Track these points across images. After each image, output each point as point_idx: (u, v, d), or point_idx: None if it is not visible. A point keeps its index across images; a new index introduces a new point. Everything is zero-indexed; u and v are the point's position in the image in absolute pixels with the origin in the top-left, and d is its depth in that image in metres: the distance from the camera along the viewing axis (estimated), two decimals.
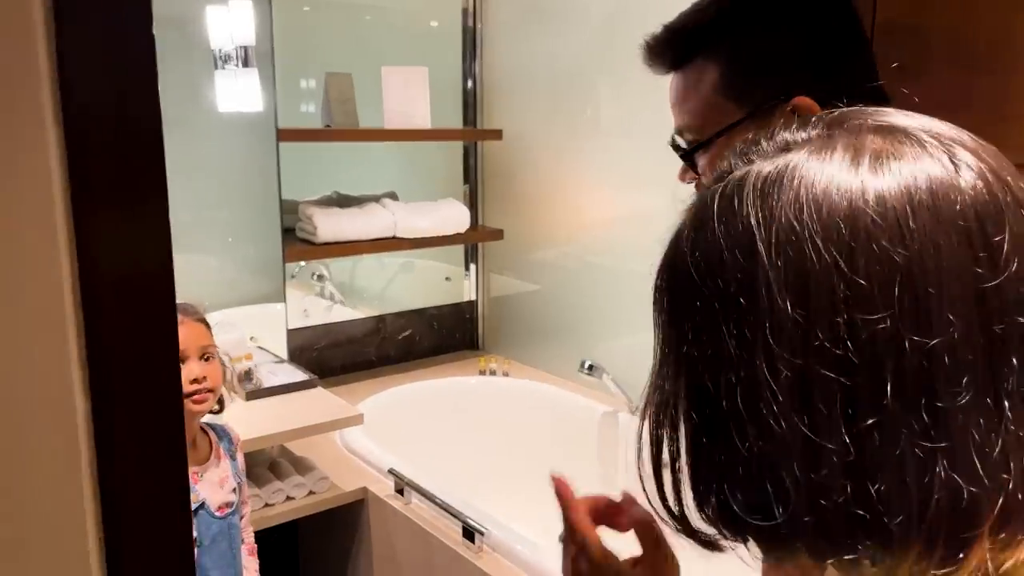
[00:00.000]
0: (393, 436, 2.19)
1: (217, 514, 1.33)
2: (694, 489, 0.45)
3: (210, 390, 1.35)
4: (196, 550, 1.30)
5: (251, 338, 2.24)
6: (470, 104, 2.77)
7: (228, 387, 2.00)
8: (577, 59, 2.44)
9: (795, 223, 0.39)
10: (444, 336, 2.88)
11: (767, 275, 0.39)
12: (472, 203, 2.82)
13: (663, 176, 2.29)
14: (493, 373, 2.63)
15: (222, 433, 1.43)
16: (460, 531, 1.65)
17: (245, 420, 1.84)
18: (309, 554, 2.20)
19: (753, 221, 0.41)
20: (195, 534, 1.30)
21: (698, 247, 0.44)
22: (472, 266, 2.91)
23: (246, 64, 2.08)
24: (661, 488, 0.48)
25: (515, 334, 2.81)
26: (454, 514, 1.68)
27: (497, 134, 2.66)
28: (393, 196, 2.64)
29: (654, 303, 0.49)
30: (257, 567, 1.47)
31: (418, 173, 2.92)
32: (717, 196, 0.44)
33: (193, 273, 2.57)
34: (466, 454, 2.47)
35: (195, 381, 1.31)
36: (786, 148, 0.44)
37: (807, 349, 0.38)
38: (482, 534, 1.61)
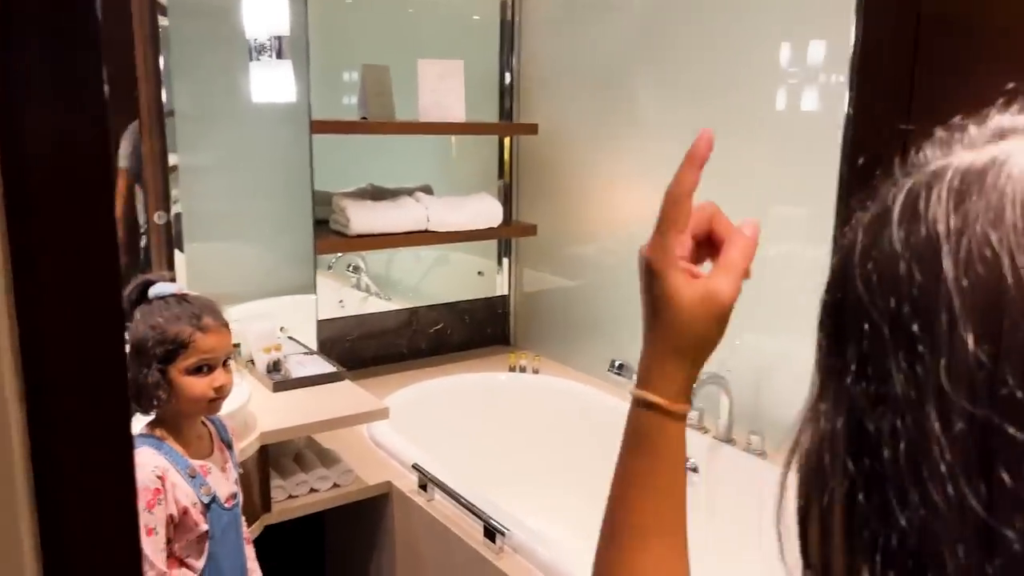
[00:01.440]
0: (420, 430, 2.18)
1: (226, 505, 1.33)
2: (845, 553, 0.36)
3: (224, 398, 1.35)
4: (208, 543, 1.30)
5: (281, 329, 2.25)
6: (506, 98, 2.74)
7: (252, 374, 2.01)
8: (616, 52, 2.40)
9: (992, 235, 0.31)
10: (475, 330, 2.87)
11: (949, 298, 0.32)
12: (506, 198, 2.80)
13: (705, 173, 2.23)
14: (523, 369, 2.60)
15: (219, 425, 1.43)
16: (482, 530, 1.63)
17: (271, 411, 1.84)
18: (334, 546, 2.21)
19: (941, 228, 0.33)
20: (207, 527, 1.30)
21: (871, 256, 0.35)
22: (505, 260, 2.89)
23: (280, 55, 2.08)
24: (806, 547, 0.39)
25: (546, 330, 2.78)
26: (476, 513, 1.66)
27: (533, 128, 2.62)
28: (427, 190, 2.63)
29: (819, 323, 0.40)
30: (254, 555, 1.47)
31: (452, 167, 2.90)
32: (902, 194, 0.35)
33: (229, 262, 2.60)
34: (493, 451, 2.45)
35: (218, 389, 1.30)
36: (1000, 135, 0.35)
37: (992, 398, 0.30)
38: (503, 534, 1.59)
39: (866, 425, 0.34)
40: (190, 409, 1.31)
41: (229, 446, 1.43)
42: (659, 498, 0.60)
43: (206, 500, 1.30)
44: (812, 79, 1.96)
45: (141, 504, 1.23)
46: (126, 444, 0.37)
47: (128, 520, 0.37)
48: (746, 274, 0.60)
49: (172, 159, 2.30)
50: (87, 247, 0.34)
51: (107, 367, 0.35)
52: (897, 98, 0.84)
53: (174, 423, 1.32)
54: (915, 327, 0.32)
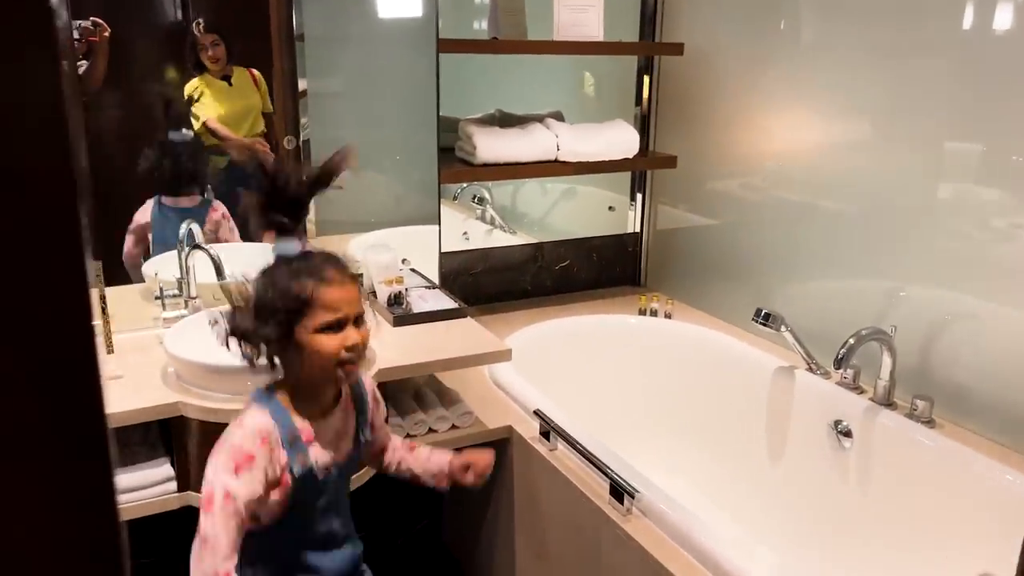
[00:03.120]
0: (543, 373, 2.06)
1: (320, 477, 1.24)
2: None
3: (362, 356, 1.23)
4: (284, 509, 1.22)
5: (403, 261, 2.17)
6: (648, 15, 2.50)
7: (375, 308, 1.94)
8: None
9: None
10: (604, 269, 2.70)
11: None
12: (644, 126, 2.58)
13: (871, 102, 1.96)
14: (654, 313, 2.42)
15: (358, 386, 1.34)
16: (607, 488, 1.51)
17: (390, 346, 1.77)
18: (452, 491, 2.14)
19: None
20: (285, 496, 1.21)
21: None
22: (639, 195, 2.69)
23: None
24: None
25: (682, 272, 2.58)
26: (603, 469, 1.53)
27: (678, 48, 2.38)
28: (558, 116, 2.45)
29: None
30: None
31: (585, 92, 2.70)
32: None
33: (355, 191, 2.54)
34: (619, 400, 2.31)
35: (350, 349, 1.19)
36: None
37: None
38: (632, 496, 1.45)
39: None
40: (323, 374, 1.20)
41: (361, 405, 1.33)
42: None
43: (298, 472, 1.21)
44: None
45: (229, 465, 1.15)
46: None
47: None
48: None
49: (301, 84, 2.27)
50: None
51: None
52: None
53: (299, 385, 1.23)
54: None
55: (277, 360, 1.21)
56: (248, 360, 1.19)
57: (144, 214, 2.08)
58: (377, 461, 1.46)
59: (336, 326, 1.17)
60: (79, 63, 2.13)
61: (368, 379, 1.39)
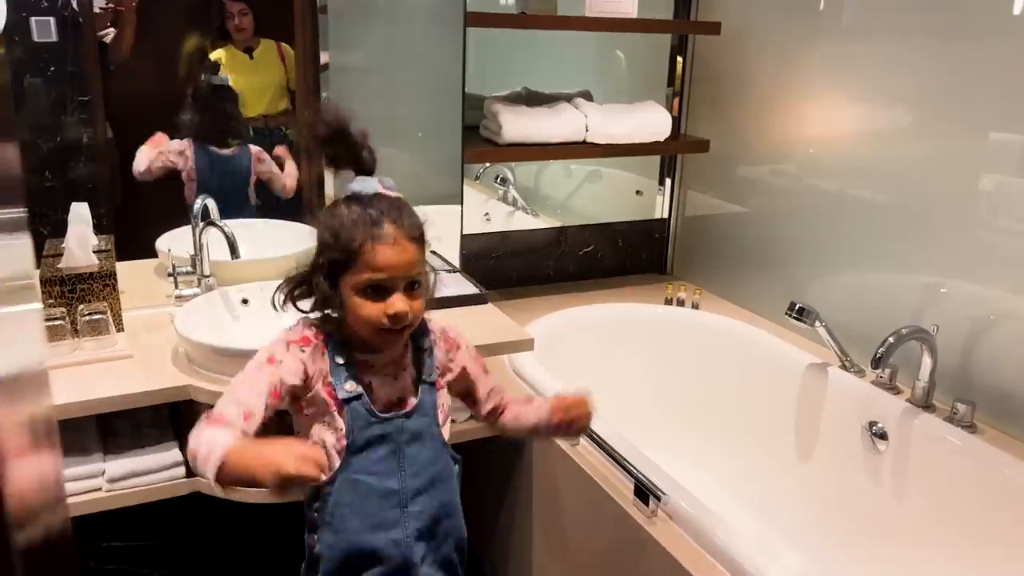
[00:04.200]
0: (565, 363, 2.00)
1: (383, 412, 1.12)
2: None
3: (408, 326, 1.10)
4: (346, 453, 1.11)
5: None
6: None
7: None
8: None
9: None
10: (629, 255, 2.62)
11: None
12: (676, 108, 2.49)
13: (912, 88, 1.86)
14: (681, 303, 2.34)
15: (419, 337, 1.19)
16: (632, 488, 1.44)
17: None
18: (470, 483, 2.08)
19: None
20: (342, 425, 1.10)
21: None
22: (668, 180, 2.60)
23: None
24: None
25: (711, 261, 2.50)
26: (627, 468, 1.46)
27: (715, 27, 2.28)
28: (587, 96, 2.36)
29: None
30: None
31: (617, 71, 2.60)
32: None
33: (377, 170, 2.48)
34: (642, 393, 2.24)
35: (393, 318, 1.06)
36: None
37: None
38: (658, 498, 1.38)
39: None
40: (364, 333, 1.10)
41: (420, 362, 1.17)
42: None
43: (344, 396, 1.09)
44: None
45: (273, 347, 1.10)
46: None
47: None
48: None
49: (323, 57, 2.21)
50: None
51: None
52: None
53: (348, 337, 1.13)
54: None
55: (328, 310, 1.12)
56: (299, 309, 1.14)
57: (178, 150, 2.06)
58: (492, 422, 1.31)
59: (380, 290, 1.06)
60: (106, 32, 2.07)
61: (439, 326, 1.24)
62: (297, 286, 1.13)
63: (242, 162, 2.15)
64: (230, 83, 2.16)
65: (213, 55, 2.22)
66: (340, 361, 1.12)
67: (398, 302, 1.06)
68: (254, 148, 2.16)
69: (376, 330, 1.08)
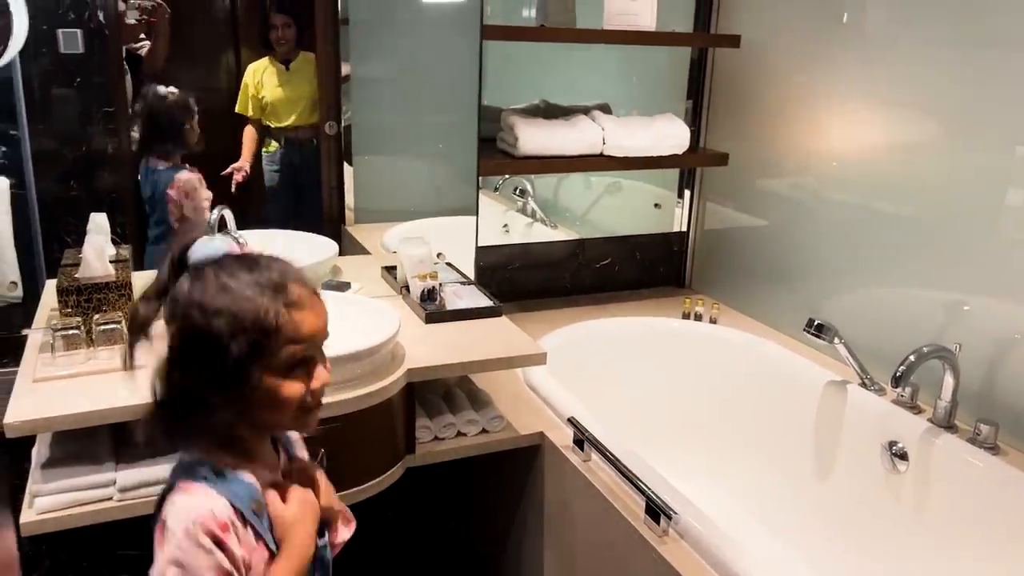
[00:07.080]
0: (579, 377, 1.98)
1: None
2: None
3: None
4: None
5: (438, 255, 2.10)
6: (703, 5, 2.38)
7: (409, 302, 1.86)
8: None
9: None
10: (647, 269, 2.60)
11: None
12: (695, 121, 2.47)
13: (937, 100, 1.82)
14: (699, 317, 2.32)
15: (286, 440, 1.04)
16: (643, 507, 1.42)
17: (421, 343, 1.70)
18: (482, 493, 2.08)
19: None
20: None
21: None
22: (687, 193, 2.58)
23: None
24: None
25: (729, 275, 2.47)
26: (638, 485, 1.44)
27: (734, 40, 2.26)
28: (605, 109, 2.35)
29: None
30: None
31: (635, 84, 2.59)
32: None
33: (394, 178, 2.49)
34: (658, 407, 2.22)
35: (315, 393, 0.91)
36: None
37: None
38: (670, 517, 1.36)
39: None
40: (273, 423, 0.93)
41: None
42: None
43: (275, 546, 0.92)
44: None
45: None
46: None
47: None
48: None
49: (344, 68, 2.24)
50: None
51: None
52: None
53: (244, 443, 0.92)
54: None
55: (224, 419, 0.89)
56: (161, 406, 0.90)
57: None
58: None
59: (303, 362, 0.89)
60: (141, 44, 2.11)
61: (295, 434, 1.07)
62: (191, 411, 0.88)
63: (168, 177, 2.18)
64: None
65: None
66: (252, 505, 0.90)
67: (322, 373, 0.91)
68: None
69: (297, 413, 0.90)
